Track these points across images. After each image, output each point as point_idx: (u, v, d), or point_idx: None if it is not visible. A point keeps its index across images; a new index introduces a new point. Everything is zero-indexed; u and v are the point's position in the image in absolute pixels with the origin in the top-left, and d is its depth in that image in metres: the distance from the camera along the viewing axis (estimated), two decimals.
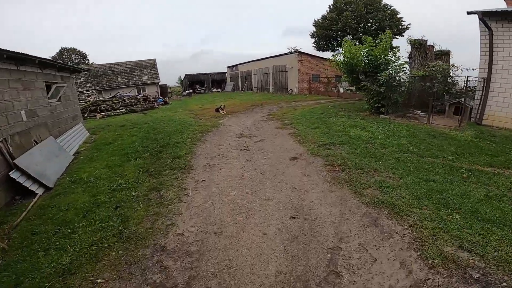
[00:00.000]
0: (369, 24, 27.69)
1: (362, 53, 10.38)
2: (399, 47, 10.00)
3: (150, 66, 27.61)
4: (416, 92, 10.82)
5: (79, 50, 40.05)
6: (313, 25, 31.68)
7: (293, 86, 22.18)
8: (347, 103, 15.63)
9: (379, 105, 10.03)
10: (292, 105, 15.02)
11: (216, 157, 6.15)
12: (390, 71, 9.83)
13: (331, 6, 29.74)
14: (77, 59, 39.30)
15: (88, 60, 40.10)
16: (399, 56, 10.22)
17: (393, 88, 9.54)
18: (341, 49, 31.85)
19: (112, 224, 3.56)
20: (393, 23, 26.61)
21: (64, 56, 38.51)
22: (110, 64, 28.01)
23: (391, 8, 27.62)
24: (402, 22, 27.33)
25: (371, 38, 10.42)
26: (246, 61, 31.07)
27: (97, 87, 24.10)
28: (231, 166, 5.55)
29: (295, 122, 9.42)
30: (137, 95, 19.05)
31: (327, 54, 33.21)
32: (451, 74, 11.10)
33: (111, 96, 18.30)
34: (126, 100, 16.39)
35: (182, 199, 4.29)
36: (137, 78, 25.80)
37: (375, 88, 9.65)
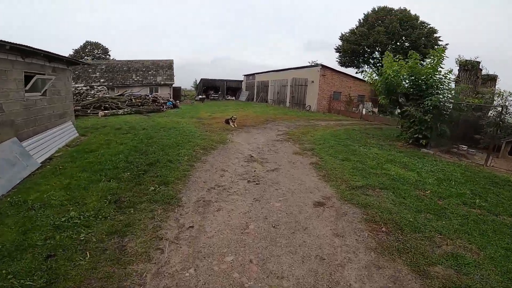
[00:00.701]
0: (401, 42, 26.10)
1: (404, 71, 8.79)
2: (452, 69, 8.32)
3: (166, 66, 26.97)
4: (462, 123, 9.07)
5: (102, 45, 40.44)
6: (340, 39, 30.43)
7: (311, 102, 20.71)
8: (373, 127, 13.94)
9: (420, 136, 8.32)
10: (311, 123, 13.47)
11: (215, 189, 4.65)
12: (442, 96, 8.14)
13: (362, 20, 28.46)
14: (99, 53, 39.59)
15: (110, 55, 40.36)
16: (450, 79, 8.53)
17: (441, 117, 7.85)
18: (366, 66, 30.28)
19: (31, 284, 2.15)
20: (429, 42, 24.88)
21: (87, 50, 38.91)
22: (128, 61, 27.60)
23: (428, 26, 25.97)
24: (439, 42, 25.56)
25: (417, 54, 8.83)
26: (264, 70, 30.03)
27: (110, 83, 23.50)
28: (233, 207, 4.03)
29: (317, 148, 7.84)
30: (147, 95, 18.09)
31: (351, 71, 31.85)
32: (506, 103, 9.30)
33: (118, 93, 17.41)
34: (133, 99, 15.36)
35: (152, 257, 2.87)
36: (151, 77, 25.11)
37: (419, 115, 7.98)
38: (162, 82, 24.74)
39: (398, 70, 8.77)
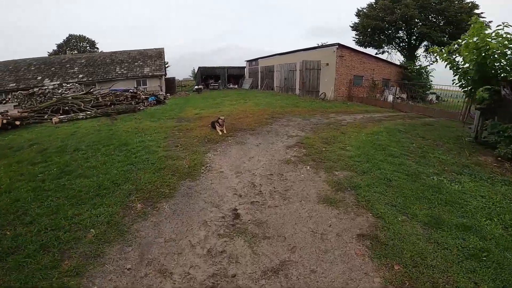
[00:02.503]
0: (435, 17, 21.26)
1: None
2: None
3: (155, 56, 23.51)
4: None
5: (88, 38, 37.24)
6: (357, 15, 25.82)
7: (327, 88, 16.91)
8: (418, 122, 10.21)
9: None
10: (331, 120, 9.86)
11: None
12: None
13: None
14: (84, 47, 36.41)
15: (98, 48, 37.18)
16: None
17: None
18: (387, 47, 25.52)
19: None
20: (469, 19, 20.00)
21: (71, 44, 35.79)
22: (112, 52, 24.33)
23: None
24: (480, 19, 20.57)
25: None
26: (268, 54, 26.06)
27: (90, 79, 20.40)
28: None
29: (361, 183, 4.39)
30: (126, 91, 14.86)
31: (370, 52, 27.29)
32: None
33: (84, 92, 14.16)
34: (99, 98, 12.19)
35: None
36: (137, 69, 21.80)
37: None
38: (150, 74, 21.40)
39: (502, 42, 5.05)
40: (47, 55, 28.51)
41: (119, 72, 21.18)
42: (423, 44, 24.61)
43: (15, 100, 13.82)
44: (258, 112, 11.00)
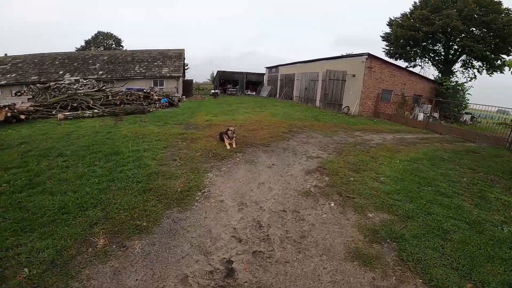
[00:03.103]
0: (481, 30, 19.36)
1: None
2: None
3: (175, 57, 23.28)
4: None
5: (114, 35, 38.17)
6: (389, 25, 24.34)
7: (351, 102, 15.60)
8: (461, 148, 8.71)
9: None
10: (357, 139, 8.60)
11: None
12: None
13: (418, 3, 22.06)
14: (110, 44, 37.38)
15: (122, 46, 38.04)
16: None
17: None
18: (420, 60, 23.66)
19: None
20: None
21: (98, 40, 36.87)
22: (133, 51, 24.45)
23: None
24: None
25: None
26: (289, 62, 25.11)
27: (109, 76, 20.37)
28: None
29: (408, 233, 3.21)
30: (140, 90, 14.41)
31: (400, 65, 25.63)
32: None
33: (95, 89, 13.78)
34: (110, 97, 11.71)
35: None
36: (156, 69, 21.58)
37: None
38: (167, 74, 21.07)
39: None
40: (74, 51, 29.29)
41: (138, 71, 21.05)
42: (460, 59, 22.61)
43: (30, 93, 13.74)
44: (274, 124, 9.96)
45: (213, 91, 25.01)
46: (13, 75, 19.31)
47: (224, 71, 31.58)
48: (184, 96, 20.15)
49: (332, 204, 4.04)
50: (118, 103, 11.49)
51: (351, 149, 7.04)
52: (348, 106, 15.74)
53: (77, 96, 11.18)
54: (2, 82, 18.36)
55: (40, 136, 6.85)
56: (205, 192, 4.10)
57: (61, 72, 19.92)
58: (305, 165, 5.58)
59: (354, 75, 15.49)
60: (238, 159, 5.62)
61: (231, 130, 6.21)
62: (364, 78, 14.83)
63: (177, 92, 20.94)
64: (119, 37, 37.91)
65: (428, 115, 16.67)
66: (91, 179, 4.08)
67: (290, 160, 5.85)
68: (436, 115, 17.47)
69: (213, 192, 4.11)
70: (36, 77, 19.07)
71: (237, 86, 30.93)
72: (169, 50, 24.32)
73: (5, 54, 22.52)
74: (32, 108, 9.68)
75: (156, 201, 3.66)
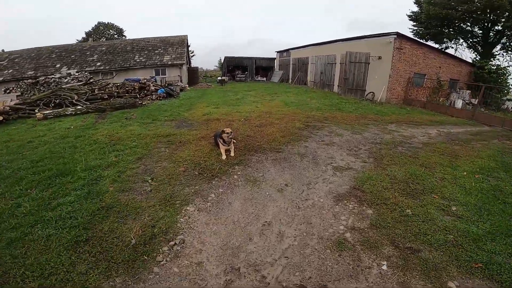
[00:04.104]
0: None
1: None
2: None
3: (177, 43, 21.53)
4: None
5: (116, 26, 36.57)
6: (416, 3, 21.22)
7: (376, 87, 13.38)
8: None
9: None
10: (395, 136, 6.68)
11: None
12: None
13: None
14: (113, 34, 35.93)
15: (125, 36, 36.45)
16: None
17: None
18: (451, 42, 20.55)
19: None
20: None
21: (99, 31, 35.49)
22: (133, 40, 22.92)
23: None
24: None
25: None
26: (301, 45, 22.71)
27: (107, 67, 19.02)
28: None
29: None
30: (138, 80, 12.90)
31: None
32: None
33: (82, 82, 12.31)
34: (95, 90, 10.28)
35: None
36: (157, 57, 19.97)
37: None
38: (169, 63, 19.44)
39: None
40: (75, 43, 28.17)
41: (138, 61, 19.52)
42: (501, 41, 19.51)
43: (19, 89, 12.61)
44: (287, 116, 8.18)
45: (219, 78, 23.21)
46: (10, 71, 18.37)
47: (232, 57, 29.56)
48: (187, 85, 18.54)
49: (385, 267, 2.37)
50: (105, 97, 10.04)
51: (392, 154, 5.20)
52: (372, 92, 13.54)
53: (61, 92, 9.83)
54: None
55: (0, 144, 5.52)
56: (175, 245, 2.53)
57: (58, 66, 18.77)
58: (333, 185, 3.86)
59: (380, 57, 13.17)
60: (235, 176, 3.98)
61: (227, 133, 4.55)
62: (393, 60, 12.52)
63: (181, 81, 19.36)
64: (120, 27, 36.41)
65: (467, 102, 14.20)
66: (7, 221, 2.63)
67: (310, 175, 4.15)
68: (474, 101, 14.95)
69: (189, 245, 2.53)
70: (33, 72, 18.03)
71: (246, 72, 28.93)
72: (170, 37, 22.55)
73: (2, 50, 21.72)
74: (8, 108, 8.42)
75: (92, 263, 2.13)
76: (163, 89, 12.42)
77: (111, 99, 10.08)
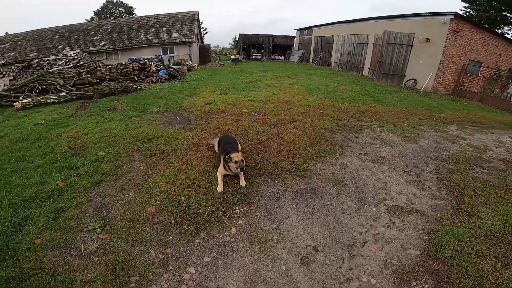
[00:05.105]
0: None
1: None
2: None
3: (187, 20, 19.56)
4: None
5: (125, 3, 34.52)
6: None
7: (420, 74, 11.00)
8: None
9: None
10: (464, 147, 4.77)
11: None
12: None
13: None
14: (122, 12, 34.04)
15: (135, 14, 34.52)
16: None
17: None
18: (507, 28, 16.63)
19: None
20: None
21: (107, 10, 33.67)
22: (140, 17, 21.17)
23: None
24: None
25: None
26: (325, 23, 19.95)
27: (111, 46, 17.58)
28: None
29: None
30: (134, 62, 11.35)
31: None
32: None
33: (70, 64, 10.89)
34: (83, 74, 8.85)
35: None
36: (165, 35, 18.21)
37: None
38: (177, 40, 17.65)
39: None
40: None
41: (144, 39, 17.85)
42: None
43: (11, 73, 11.51)
44: (312, 108, 6.39)
45: (233, 56, 21.20)
46: (13, 53, 17.44)
47: (247, 34, 27.14)
48: (196, 64, 16.80)
49: None
50: (94, 81, 8.62)
51: (473, 182, 3.39)
52: (415, 79, 11.18)
53: (46, 76, 8.52)
54: (1, 62, 16.62)
55: None
56: None
57: (60, 47, 17.58)
58: (392, 247, 2.22)
59: (428, 40, 10.66)
60: (233, 230, 2.43)
61: (235, 162, 2.90)
62: (446, 44, 10.03)
63: (190, 60, 17.66)
64: (130, 5, 34.32)
65: None
66: None
67: (353, 226, 2.52)
68: None
69: None
70: (35, 53, 16.98)
71: (263, 51, 26.58)
72: (180, 13, 20.52)
73: (6, 33, 20.84)
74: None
75: None
76: (165, 70, 10.83)
77: (103, 84, 8.67)
